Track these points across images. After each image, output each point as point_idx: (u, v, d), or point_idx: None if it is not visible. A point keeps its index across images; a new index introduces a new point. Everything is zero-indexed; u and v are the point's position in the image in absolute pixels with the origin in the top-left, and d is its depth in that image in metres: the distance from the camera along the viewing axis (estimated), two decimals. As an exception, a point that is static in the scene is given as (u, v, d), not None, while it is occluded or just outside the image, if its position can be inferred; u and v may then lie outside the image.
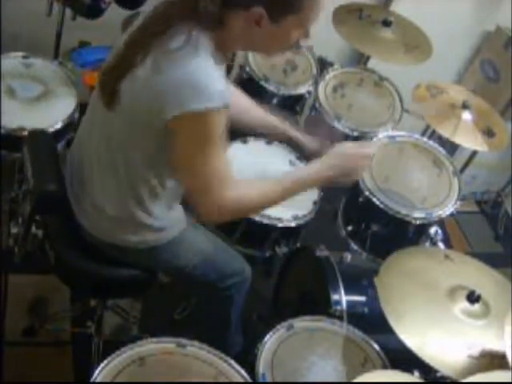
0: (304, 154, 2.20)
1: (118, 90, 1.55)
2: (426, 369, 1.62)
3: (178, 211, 1.83)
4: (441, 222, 2.28)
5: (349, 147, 1.88)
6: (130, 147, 1.60)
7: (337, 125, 2.52)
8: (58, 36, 2.55)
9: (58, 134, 2.16)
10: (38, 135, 1.93)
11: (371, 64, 2.89)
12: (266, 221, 2.10)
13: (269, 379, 1.67)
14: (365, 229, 2.32)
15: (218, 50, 1.53)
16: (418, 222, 2.23)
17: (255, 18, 1.49)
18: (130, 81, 1.53)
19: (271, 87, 2.61)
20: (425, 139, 2.55)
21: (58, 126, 2.17)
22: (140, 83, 1.51)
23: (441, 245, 2.14)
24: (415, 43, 2.72)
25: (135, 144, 1.59)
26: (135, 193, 1.66)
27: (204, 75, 1.46)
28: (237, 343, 2.13)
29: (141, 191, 1.66)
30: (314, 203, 2.25)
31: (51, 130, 2.14)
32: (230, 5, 1.49)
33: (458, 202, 2.31)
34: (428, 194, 2.31)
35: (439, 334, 1.63)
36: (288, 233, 2.19)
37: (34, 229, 1.81)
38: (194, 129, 1.49)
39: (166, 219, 1.77)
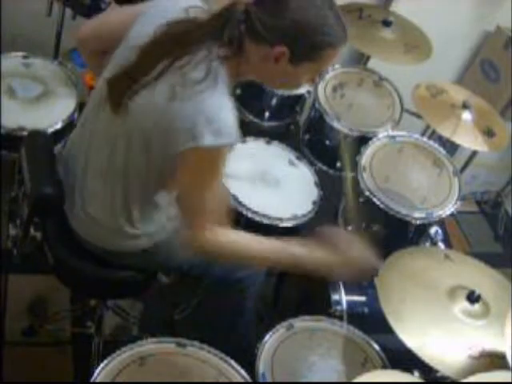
0: None
1: (127, 101, 1.54)
2: (425, 369, 1.62)
3: (171, 211, 1.83)
4: (441, 222, 2.28)
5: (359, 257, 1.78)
6: (130, 164, 1.60)
7: (336, 125, 2.52)
8: (58, 36, 2.55)
9: (58, 134, 2.16)
10: (35, 137, 1.93)
11: (371, 64, 2.89)
12: (266, 221, 2.10)
13: (269, 379, 1.67)
14: (365, 229, 2.32)
15: (231, 78, 1.53)
16: (418, 222, 2.23)
17: (276, 56, 1.49)
18: (144, 102, 1.53)
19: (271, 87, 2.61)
20: (425, 139, 2.55)
21: (58, 126, 2.17)
22: (155, 108, 1.51)
23: (441, 245, 2.14)
24: (415, 43, 2.72)
25: (136, 162, 1.59)
26: (127, 205, 1.67)
27: (221, 112, 1.47)
28: (250, 335, 2.12)
29: (133, 205, 1.67)
30: (314, 203, 2.25)
31: (51, 130, 2.14)
32: (256, 38, 1.49)
33: (458, 202, 2.31)
34: (428, 194, 2.31)
35: (439, 334, 1.63)
36: (288, 232, 2.19)
37: (32, 231, 1.81)
38: (202, 162, 1.51)
39: (158, 223, 1.76)
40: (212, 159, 1.52)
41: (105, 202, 1.69)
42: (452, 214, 2.30)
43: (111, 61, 1.65)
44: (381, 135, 2.47)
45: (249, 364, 1.67)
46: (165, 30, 1.53)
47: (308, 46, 1.50)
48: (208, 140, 1.45)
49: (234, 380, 1.59)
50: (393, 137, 2.48)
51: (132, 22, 1.63)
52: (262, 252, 1.69)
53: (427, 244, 2.22)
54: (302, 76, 1.58)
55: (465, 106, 2.48)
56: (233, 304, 2.03)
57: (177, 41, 1.51)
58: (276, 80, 1.63)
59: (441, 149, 2.49)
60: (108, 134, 1.63)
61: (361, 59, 2.98)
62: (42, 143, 1.88)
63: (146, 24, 1.59)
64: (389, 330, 1.61)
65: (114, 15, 1.79)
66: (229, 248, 1.66)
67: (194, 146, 1.47)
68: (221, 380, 1.59)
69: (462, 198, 2.35)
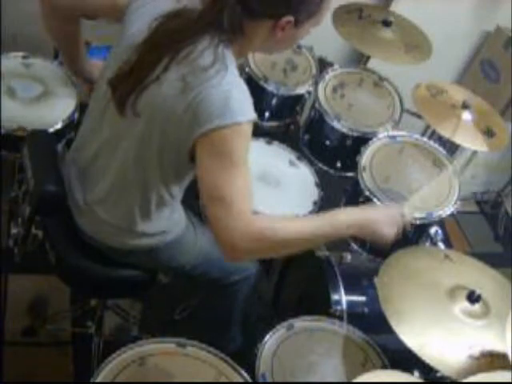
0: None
1: (134, 100, 1.54)
2: (426, 369, 1.62)
3: (179, 212, 1.83)
4: (441, 222, 2.28)
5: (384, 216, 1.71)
6: (147, 159, 1.59)
7: (337, 125, 2.52)
8: (58, 36, 2.55)
9: (58, 134, 2.16)
10: (37, 136, 1.93)
11: (371, 64, 2.89)
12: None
13: (269, 379, 1.67)
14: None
15: (236, 57, 1.54)
16: (417, 222, 2.23)
17: (282, 26, 1.50)
18: (154, 95, 1.52)
19: (271, 87, 2.61)
20: (425, 139, 2.55)
21: (58, 126, 2.16)
22: (167, 100, 1.50)
23: (441, 245, 2.14)
24: (415, 43, 2.72)
25: (155, 157, 1.58)
26: (144, 202, 1.67)
27: (235, 92, 1.47)
28: (236, 340, 2.13)
29: (150, 201, 1.67)
30: (314, 203, 2.25)
31: (51, 129, 2.14)
32: (255, 16, 1.49)
33: (458, 202, 2.31)
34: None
35: (439, 333, 1.63)
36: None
37: (33, 229, 1.81)
38: (223, 145, 1.47)
39: (168, 223, 1.77)
40: (233, 141, 1.47)
41: (119, 202, 1.69)
42: (452, 214, 2.30)
43: (110, 61, 1.65)
44: (381, 135, 2.47)
45: (249, 364, 1.68)
46: (162, 25, 1.53)
47: (310, 6, 1.51)
48: (226, 120, 1.44)
49: (234, 380, 1.59)
50: (393, 137, 2.48)
51: None
52: (306, 226, 1.59)
53: (427, 244, 2.22)
54: (303, 34, 1.59)
55: (465, 106, 2.48)
56: (222, 309, 2.04)
57: (177, 35, 1.51)
58: (279, 46, 1.63)
59: (441, 149, 2.49)
60: (117, 135, 1.63)
61: (361, 59, 2.98)
62: (44, 141, 1.88)
63: (140, 21, 1.58)
64: (389, 330, 1.61)
65: None
66: (282, 232, 1.54)
67: (213, 128, 1.45)
68: (221, 380, 1.59)
69: (462, 198, 2.34)
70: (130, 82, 1.54)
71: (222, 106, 1.45)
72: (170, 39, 1.51)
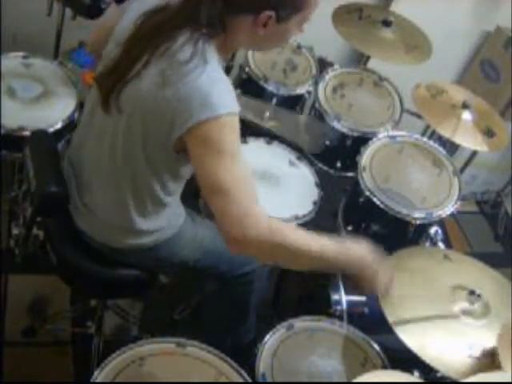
0: None
1: (117, 97, 1.54)
2: (426, 369, 1.62)
3: (178, 208, 1.83)
4: (441, 222, 2.28)
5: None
6: (134, 156, 1.59)
7: (337, 125, 2.52)
8: (58, 36, 2.56)
9: (58, 134, 2.16)
10: (39, 136, 1.93)
11: (371, 64, 2.89)
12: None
13: (269, 379, 1.67)
14: (365, 229, 2.32)
15: (220, 54, 1.53)
16: (417, 222, 2.23)
17: (263, 22, 1.49)
18: (135, 94, 1.52)
19: (271, 87, 2.61)
20: (425, 139, 2.55)
21: (58, 125, 2.17)
22: (147, 95, 1.50)
23: (441, 245, 2.14)
24: (415, 43, 2.72)
25: (140, 153, 1.58)
26: (138, 200, 1.67)
27: (214, 86, 1.46)
28: (250, 331, 2.12)
29: (144, 198, 1.66)
30: (314, 203, 2.25)
31: (51, 129, 2.14)
32: (236, 10, 1.48)
33: (458, 202, 2.31)
34: (428, 193, 2.31)
35: (439, 333, 1.63)
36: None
37: (35, 230, 1.81)
38: (210, 138, 1.46)
39: (167, 220, 1.77)
40: (218, 134, 1.45)
41: (114, 201, 1.69)
42: (452, 214, 2.30)
43: (101, 60, 1.65)
44: (381, 135, 2.47)
45: (249, 364, 1.67)
46: (144, 21, 1.53)
47: (293, 1, 1.49)
48: (206, 115, 1.43)
49: (234, 380, 1.59)
50: (393, 137, 2.48)
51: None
52: (315, 241, 1.54)
53: (427, 244, 2.22)
54: (292, 30, 1.56)
55: (465, 106, 2.48)
56: (238, 298, 2.03)
57: (157, 30, 1.50)
58: (267, 43, 1.62)
59: (441, 149, 2.49)
60: (104, 133, 1.63)
61: (361, 59, 2.98)
62: (46, 142, 1.88)
63: (127, 19, 1.59)
64: (389, 330, 1.61)
65: (110, 15, 1.79)
66: (279, 239, 1.50)
67: (195, 124, 1.44)
68: (221, 380, 1.59)
69: (462, 198, 2.35)
70: (113, 78, 1.54)
71: (202, 101, 1.43)
72: (150, 34, 1.51)
